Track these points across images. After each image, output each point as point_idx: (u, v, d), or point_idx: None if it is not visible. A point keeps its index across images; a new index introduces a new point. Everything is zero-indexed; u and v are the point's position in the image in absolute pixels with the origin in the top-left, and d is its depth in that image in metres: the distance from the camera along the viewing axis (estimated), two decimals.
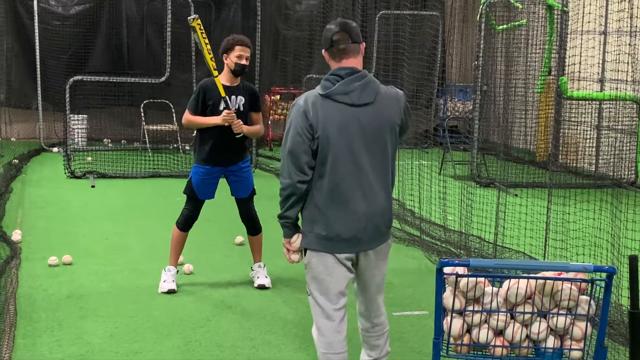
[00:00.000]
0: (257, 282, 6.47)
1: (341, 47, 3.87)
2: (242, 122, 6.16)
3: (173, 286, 6.29)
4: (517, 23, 11.91)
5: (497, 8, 12.07)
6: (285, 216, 3.96)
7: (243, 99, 6.26)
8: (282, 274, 6.75)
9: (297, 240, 4.01)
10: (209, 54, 6.20)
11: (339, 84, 3.83)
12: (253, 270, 6.58)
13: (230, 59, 6.13)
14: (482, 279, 3.75)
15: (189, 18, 6.30)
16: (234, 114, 6.13)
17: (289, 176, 3.85)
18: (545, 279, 3.66)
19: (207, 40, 6.25)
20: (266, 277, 6.51)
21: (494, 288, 3.79)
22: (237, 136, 6.17)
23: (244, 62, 6.14)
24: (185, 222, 6.36)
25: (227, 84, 6.20)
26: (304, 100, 3.87)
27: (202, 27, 6.25)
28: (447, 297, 3.76)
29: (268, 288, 6.44)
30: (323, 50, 3.96)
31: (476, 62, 11.83)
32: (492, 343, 3.75)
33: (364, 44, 3.98)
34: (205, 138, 6.24)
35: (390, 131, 3.93)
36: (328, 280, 3.95)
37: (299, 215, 4.01)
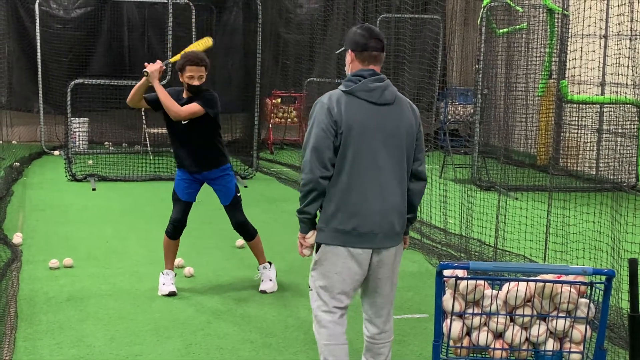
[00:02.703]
0: (260, 287, 6.49)
1: (374, 54, 4.03)
2: (157, 67, 6.07)
3: (173, 288, 6.29)
4: (517, 27, 11.93)
5: (498, 12, 12.08)
6: (305, 211, 4.02)
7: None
8: (283, 277, 6.75)
9: (312, 236, 4.07)
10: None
11: (362, 82, 3.98)
12: (259, 271, 6.60)
13: (183, 79, 6.12)
14: (482, 282, 3.76)
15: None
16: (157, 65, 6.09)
17: (311, 171, 3.93)
18: (545, 281, 3.67)
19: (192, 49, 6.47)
20: (270, 280, 6.51)
21: (494, 291, 3.80)
22: (144, 73, 6.04)
23: (195, 82, 6.06)
24: (174, 229, 6.32)
25: (186, 97, 6.18)
26: (328, 97, 4.00)
27: (203, 44, 6.48)
28: (447, 299, 3.77)
29: (270, 293, 6.44)
30: (350, 51, 4.05)
31: (477, 66, 11.84)
32: (492, 346, 3.76)
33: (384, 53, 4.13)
34: (172, 143, 6.36)
35: (407, 133, 4.05)
36: (335, 279, 4.00)
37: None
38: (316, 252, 4.07)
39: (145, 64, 6.15)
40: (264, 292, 6.44)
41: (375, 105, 3.99)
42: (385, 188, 3.99)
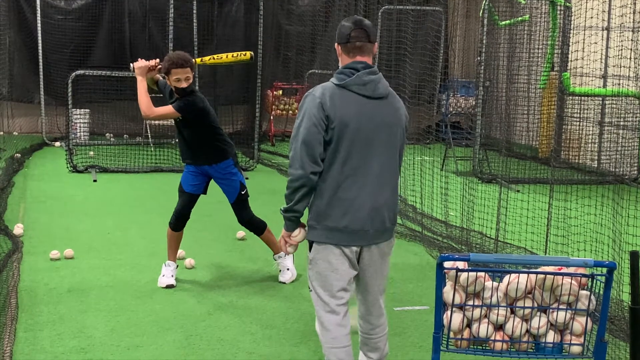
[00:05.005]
0: (279, 278, 6.52)
1: (357, 45, 3.91)
2: (142, 65, 6.09)
3: (172, 281, 6.29)
4: (519, 18, 11.89)
5: (500, 3, 12.05)
6: (293, 209, 3.91)
7: None
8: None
9: (298, 235, 4.01)
10: (214, 59, 6.39)
11: (356, 75, 3.88)
12: (275, 261, 6.60)
13: (170, 82, 6.05)
14: (483, 274, 3.75)
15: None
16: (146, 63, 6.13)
17: (302, 167, 3.82)
18: (546, 273, 3.66)
19: (214, 57, 6.49)
20: (288, 269, 6.51)
21: (494, 283, 3.79)
22: (131, 69, 6.17)
23: (183, 84, 5.99)
24: (176, 221, 6.33)
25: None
26: (320, 91, 3.88)
27: (214, 57, 6.49)
28: (448, 291, 3.77)
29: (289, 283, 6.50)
30: (336, 44, 3.98)
31: (479, 58, 11.81)
32: (492, 337, 3.75)
33: (376, 44, 4.02)
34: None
35: (399, 128, 3.99)
36: (332, 277, 3.95)
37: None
38: (309, 250, 4.02)
39: (131, 63, 6.23)
40: (283, 283, 6.46)
41: (370, 99, 3.89)
42: (378, 184, 3.92)
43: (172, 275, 6.33)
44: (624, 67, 9.30)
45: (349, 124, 3.84)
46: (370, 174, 3.90)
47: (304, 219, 4.03)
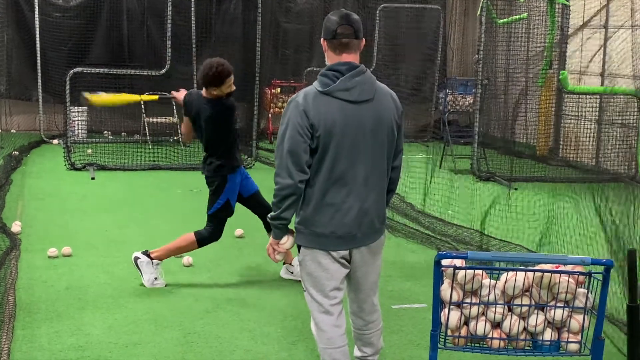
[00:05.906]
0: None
1: (344, 42, 3.80)
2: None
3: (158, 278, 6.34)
4: (518, 17, 11.89)
5: (499, 1, 12.04)
6: (281, 217, 3.88)
7: None
8: (281, 266, 6.75)
9: (286, 242, 3.99)
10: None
11: (340, 80, 3.77)
12: (293, 265, 6.48)
13: (223, 91, 6.15)
14: (480, 272, 3.76)
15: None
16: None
17: (290, 176, 3.79)
18: (543, 271, 3.67)
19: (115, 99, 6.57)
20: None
21: (492, 280, 3.80)
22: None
23: (233, 87, 6.23)
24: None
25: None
26: (303, 97, 3.79)
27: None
28: (445, 289, 3.77)
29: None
30: (322, 39, 3.88)
31: (477, 56, 11.81)
32: (490, 335, 3.76)
33: (363, 40, 3.91)
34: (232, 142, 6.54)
35: (387, 127, 3.90)
36: (323, 277, 3.93)
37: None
38: (298, 252, 4.00)
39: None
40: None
41: (355, 104, 3.78)
42: (365, 187, 3.86)
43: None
44: (622, 65, 9.31)
45: (333, 131, 3.76)
46: (357, 179, 3.84)
47: (291, 225, 4.00)
